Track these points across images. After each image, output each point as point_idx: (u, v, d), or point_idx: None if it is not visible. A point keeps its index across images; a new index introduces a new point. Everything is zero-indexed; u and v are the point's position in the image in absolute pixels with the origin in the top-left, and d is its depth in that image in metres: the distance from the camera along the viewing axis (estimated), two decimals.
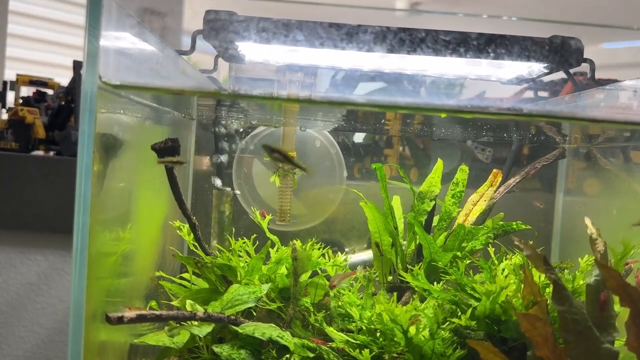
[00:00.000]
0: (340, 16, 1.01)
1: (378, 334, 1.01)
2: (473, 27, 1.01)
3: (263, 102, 1.07)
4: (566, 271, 1.15)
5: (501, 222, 1.22)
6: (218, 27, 1.01)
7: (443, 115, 1.02)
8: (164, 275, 1.18)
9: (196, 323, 1.00)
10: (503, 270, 1.09)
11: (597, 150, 1.36)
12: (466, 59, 1.01)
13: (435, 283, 1.09)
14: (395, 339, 0.99)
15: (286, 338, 0.98)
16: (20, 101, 1.66)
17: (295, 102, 1.09)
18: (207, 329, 0.98)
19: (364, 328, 1.03)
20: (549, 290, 0.98)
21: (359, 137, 1.58)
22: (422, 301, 1.09)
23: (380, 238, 1.24)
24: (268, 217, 1.23)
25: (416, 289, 1.10)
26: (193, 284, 1.16)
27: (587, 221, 1.03)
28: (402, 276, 1.12)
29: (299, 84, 1.21)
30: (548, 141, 1.40)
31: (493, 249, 1.17)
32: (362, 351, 0.96)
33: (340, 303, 1.10)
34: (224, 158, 1.47)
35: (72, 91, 1.60)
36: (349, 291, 1.10)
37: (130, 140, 1.05)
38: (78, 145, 0.80)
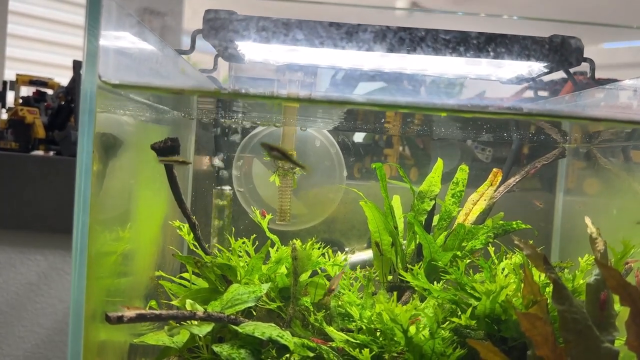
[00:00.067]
0: (340, 15, 1.01)
1: (378, 334, 1.01)
2: (473, 27, 1.01)
3: (263, 102, 1.07)
4: (566, 270, 1.15)
5: (501, 222, 1.22)
6: (218, 26, 1.01)
7: (443, 114, 1.02)
8: (163, 274, 1.18)
9: (196, 322, 1.00)
10: (503, 269, 1.09)
11: (597, 149, 1.36)
12: (466, 58, 1.01)
13: (435, 282, 1.09)
14: (395, 338, 0.99)
15: (286, 337, 0.98)
16: (20, 101, 1.66)
17: (295, 101, 1.09)
18: (207, 328, 0.98)
19: (364, 327, 1.03)
20: (549, 289, 0.98)
21: (358, 137, 1.58)
22: (422, 301, 1.09)
23: (380, 237, 1.24)
24: (268, 217, 1.23)
25: (416, 288, 1.10)
26: (193, 283, 1.16)
27: (587, 220, 1.03)
28: (402, 276, 1.12)
29: (299, 83, 1.21)
30: (548, 141, 1.40)
31: (493, 248, 1.17)
32: (362, 351, 0.96)
33: (340, 302, 1.10)
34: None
35: (71, 91, 1.60)
36: (349, 291, 1.10)
37: (130, 140, 1.05)
38: (78, 145, 0.80)
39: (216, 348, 0.98)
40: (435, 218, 1.29)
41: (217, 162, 1.46)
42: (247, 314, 1.11)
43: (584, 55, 1.05)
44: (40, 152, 1.61)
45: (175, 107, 1.30)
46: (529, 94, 1.45)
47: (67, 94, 1.63)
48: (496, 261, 1.12)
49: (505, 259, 1.13)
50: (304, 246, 1.09)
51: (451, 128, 1.36)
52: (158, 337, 1.04)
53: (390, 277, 1.25)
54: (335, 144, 1.50)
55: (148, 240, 1.23)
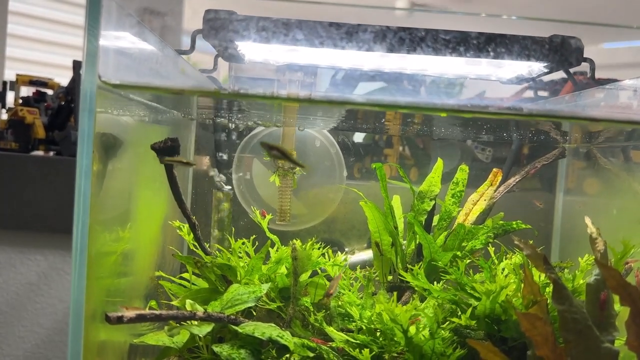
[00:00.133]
0: (340, 15, 1.01)
1: (378, 334, 1.01)
2: (473, 27, 1.01)
3: (263, 102, 1.07)
4: (566, 270, 1.15)
5: (501, 222, 1.22)
6: (218, 26, 1.01)
7: (443, 114, 1.02)
8: (163, 275, 1.18)
9: (196, 323, 1.00)
10: (503, 269, 1.09)
11: (597, 149, 1.36)
12: (466, 58, 1.01)
13: (435, 283, 1.09)
14: (395, 338, 0.99)
15: (286, 338, 0.98)
16: (20, 101, 1.66)
17: (295, 101, 1.09)
18: (207, 328, 0.98)
19: (364, 328, 1.03)
20: (549, 289, 0.98)
21: (358, 137, 1.58)
22: (422, 301, 1.09)
23: (380, 238, 1.24)
24: (268, 217, 1.23)
25: (416, 288, 1.10)
26: (193, 283, 1.16)
27: (587, 220, 1.03)
28: (402, 276, 1.12)
29: (299, 83, 1.21)
30: (548, 141, 1.40)
31: (493, 248, 1.17)
32: (362, 351, 0.96)
33: (340, 302, 1.10)
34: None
35: (71, 91, 1.60)
36: (349, 291, 1.10)
37: (130, 140, 1.05)
38: (78, 145, 0.80)
39: (216, 348, 0.98)
40: (435, 218, 1.29)
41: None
42: (247, 314, 1.11)
43: (584, 55, 1.05)
44: (40, 153, 1.61)
45: (175, 107, 1.30)
46: (529, 94, 1.45)
47: (67, 94, 1.63)
48: (496, 261, 1.12)
49: (505, 259, 1.13)
50: (304, 246, 1.09)
51: (451, 128, 1.37)
52: (158, 337, 1.04)
53: (390, 277, 1.25)
54: (335, 144, 1.50)
55: (148, 240, 1.23)
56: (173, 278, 1.18)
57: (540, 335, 0.83)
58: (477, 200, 1.28)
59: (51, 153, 1.62)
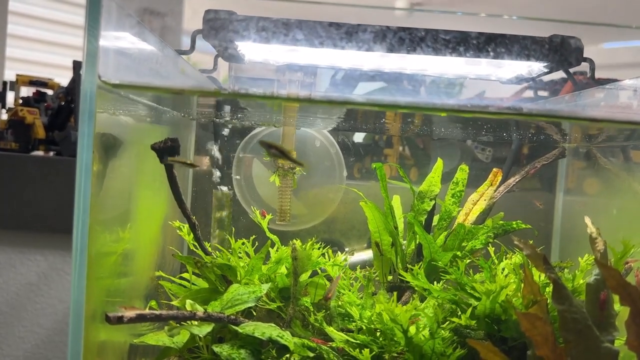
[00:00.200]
0: (339, 16, 1.01)
1: (378, 334, 1.01)
2: (473, 27, 1.01)
3: (263, 102, 1.07)
4: (566, 270, 1.15)
5: (501, 222, 1.22)
6: (218, 26, 1.01)
7: (443, 114, 1.02)
8: (163, 275, 1.18)
9: (196, 323, 1.00)
10: (503, 269, 1.09)
11: (597, 149, 1.36)
12: (466, 58, 1.01)
13: (435, 282, 1.09)
14: (395, 338, 0.99)
15: (286, 338, 0.98)
16: (20, 101, 1.66)
17: (295, 101, 1.09)
18: (207, 328, 0.98)
19: (364, 328, 1.03)
20: (549, 289, 0.98)
21: (358, 137, 1.58)
22: (422, 301, 1.09)
23: (380, 238, 1.24)
24: (268, 217, 1.23)
25: (416, 288, 1.10)
26: (193, 283, 1.16)
27: (587, 220, 1.03)
28: (402, 276, 1.12)
29: (299, 83, 1.21)
30: (548, 140, 1.40)
31: (493, 248, 1.17)
32: (362, 351, 0.96)
33: (340, 302, 1.10)
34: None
35: (71, 91, 1.60)
36: (349, 291, 1.10)
37: (130, 140, 1.05)
38: (78, 145, 0.80)
39: (216, 348, 0.98)
40: (435, 218, 1.29)
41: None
42: (247, 314, 1.11)
43: (584, 55, 1.05)
44: (40, 153, 1.62)
45: (175, 108, 1.30)
46: (529, 94, 1.45)
47: (67, 94, 1.63)
48: (496, 261, 1.12)
49: (505, 259, 1.13)
50: (304, 246, 1.09)
51: (451, 128, 1.37)
52: (158, 338, 1.04)
53: (390, 277, 1.25)
54: (335, 144, 1.50)
55: (148, 240, 1.23)
56: (173, 278, 1.18)
57: (540, 335, 0.83)
58: (477, 200, 1.29)
59: (51, 153, 1.62)
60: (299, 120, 1.39)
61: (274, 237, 1.19)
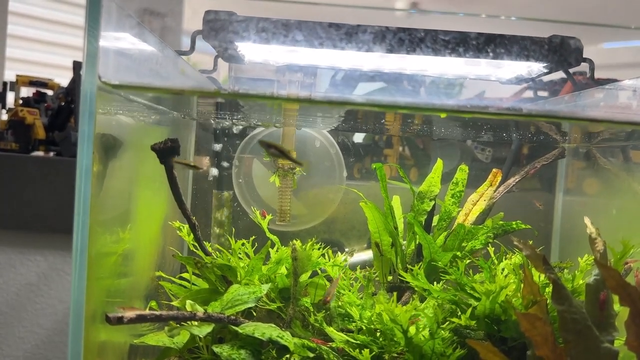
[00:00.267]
0: (339, 16, 1.01)
1: (378, 334, 1.01)
2: (472, 27, 1.01)
3: (263, 102, 1.07)
4: (566, 271, 1.15)
5: (501, 222, 1.22)
6: (217, 27, 1.01)
7: (443, 115, 1.02)
8: (163, 275, 1.18)
9: (196, 323, 1.00)
10: (503, 269, 1.09)
11: (597, 149, 1.36)
12: (465, 58, 1.01)
13: (435, 283, 1.09)
14: (395, 338, 0.99)
15: (286, 338, 0.98)
16: (20, 102, 1.66)
17: (294, 102, 1.09)
18: (207, 329, 0.98)
19: (364, 328, 1.03)
20: (549, 289, 0.98)
21: (358, 137, 1.58)
22: (422, 301, 1.09)
23: (380, 238, 1.24)
24: (268, 217, 1.23)
25: (416, 288, 1.10)
26: (193, 284, 1.16)
27: (587, 221, 1.03)
28: (402, 276, 1.12)
29: (299, 84, 1.22)
30: (548, 141, 1.40)
31: (493, 248, 1.17)
32: (362, 351, 0.97)
33: (340, 303, 1.10)
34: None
35: (71, 92, 1.60)
36: (349, 291, 1.10)
37: (130, 141, 1.05)
38: (78, 146, 0.80)
39: (216, 349, 0.98)
40: (435, 218, 1.29)
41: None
42: (247, 314, 1.11)
43: (584, 56, 1.05)
44: (40, 153, 1.62)
45: (175, 108, 1.30)
46: (529, 94, 1.45)
47: (67, 94, 1.63)
48: (496, 261, 1.12)
49: (505, 259, 1.13)
50: (304, 247, 1.09)
51: (451, 128, 1.37)
52: (158, 338, 1.04)
53: (390, 278, 1.25)
54: (335, 145, 1.51)
55: (148, 240, 1.23)
56: (173, 278, 1.18)
57: (540, 336, 0.83)
58: (477, 201, 1.29)
59: (51, 154, 1.63)
60: (299, 120, 1.39)
61: (274, 238, 1.19)
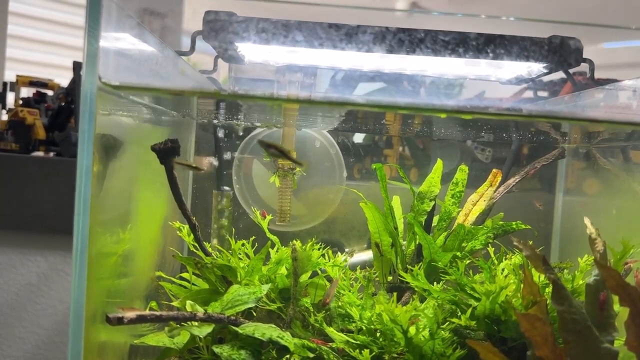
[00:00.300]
0: (339, 17, 1.01)
1: (378, 334, 1.01)
2: (472, 28, 1.01)
3: (263, 103, 1.07)
4: (566, 271, 1.15)
5: (501, 222, 1.23)
6: (218, 27, 1.01)
7: (443, 115, 1.02)
8: (164, 275, 1.18)
9: (196, 324, 1.00)
10: (503, 270, 1.10)
11: (597, 150, 1.36)
12: (465, 59, 1.01)
13: (435, 283, 1.09)
14: (395, 339, 0.99)
15: (286, 338, 0.98)
16: (21, 102, 1.66)
17: (294, 102, 1.09)
18: (207, 329, 0.98)
19: (364, 328, 1.03)
20: (549, 290, 0.98)
21: (358, 138, 1.58)
22: (422, 301, 1.09)
23: (380, 238, 1.24)
24: (268, 217, 1.23)
25: (416, 289, 1.10)
26: (193, 284, 1.16)
27: (587, 221, 1.03)
28: (402, 276, 1.12)
29: (299, 84, 1.22)
30: (548, 141, 1.40)
31: (493, 249, 1.17)
32: (362, 351, 0.97)
33: (340, 303, 1.10)
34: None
35: (72, 92, 1.60)
36: (349, 291, 1.10)
37: (130, 141, 1.05)
38: (78, 146, 0.80)
39: (216, 349, 0.98)
40: (435, 219, 1.29)
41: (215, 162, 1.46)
42: (248, 315, 1.11)
43: (583, 56, 1.05)
44: (40, 153, 1.62)
45: (175, 108, 1.30)
46: (529, 94, 1.45)
47: (67, 95, 1.63)
48: (496, 262, 1.12)
49: (505, 259, 1.13)
50: (304, 247, 1.10)
51: (451, 128, 1.37)
52: (158, 338, 1.04)
53: (390, 278, 1.25)
54: (335, 145, 1.51)
55: (148, 241, 1.23)
56: (173, 279, 1.18)
57: (540, 336, 0.83)
58: (477, 201, 1.29)
59: (51, 154, 1.63)
60: (299, 120, 1.39)
61: (274, 238, 1.19)
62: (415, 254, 1.25)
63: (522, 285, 0.96)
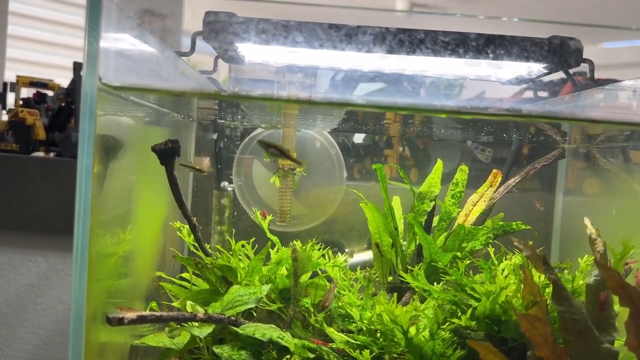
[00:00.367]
0: (339, 17, 1.01)
1: (378, 335, 1.01)
2: (472, 28, 1.01)
3: (263, 103, 1.07)
4: (566, 271, 1.15)
5: (501, 223, 1.23)
6: (218, 28, 1.01)
7: (443, 116, 1.03)
8: (164, 276, 1.18)
9: (197, 324, 1.00)
10: (503, 270, 1.10)
11: (597, 150, 1.36)
12: (465, 59, 1.01)
13: (435, 283, 1.09)
14: (396, 339, 0.99)
15: (286, 339, 0.98)
16: (21, 102, 1.66)
17: (295, 103, 1.09)
18: (207, 330, 0.98)
19: (364, 328, 1.03)
20: (549, 290, 0.98)
21: (358, 138, 1.58)
22: (422, 301, 1.09)
23: (380, 238, 1.24)
24: (269, 218, 1.23)
25: (416, 289, 1.10)
26: (193, 284, 1.16)
27: (587, 221, 1.03)
28: (402, 277, 1.12)
29: (299, 84, 1.22)
30: (548, 141, 1.40)
31: (493, 249, 1.17)
32: (363, 352, 0.97)
33: (340, 303, 1.10)
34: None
35: (72, 92, 1.60)
36: (349, 292, 1.10)
37: (131, 142, 1.05)
38: (78, 147, 0.80)
39: (217, 349, 0.98)
40: (435, 219, 1.29)
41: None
42: (248, 315, 1.11)
43: (583, 56, 1.05)
44: (40, 154, 1.62)
45: (175, 109, 1.30)
46: (529, 94, 1.45)
47: (67, 95, 1.63)
48: (496, 262, 1.12)
49: (505, 259, 1.13)
50: (304, 247, 1.10)
51: (451, 129, 1.37)
52: (159, 339, 1.04)
53: (390, 278, 1.25)
54: (335, 145, 1.51)
55: (149, 241, 1.23)
56: (173, 279, 1.18)
57: (540, 336, 0.83)
58: (477, 201, 1.29)
59: (52, 154, 1.63)
60: (299, 121, 1.39)
61: (274, 238, 1.19)
62: (415, 254, 1.25)
63: (522, 286, 0.96)
